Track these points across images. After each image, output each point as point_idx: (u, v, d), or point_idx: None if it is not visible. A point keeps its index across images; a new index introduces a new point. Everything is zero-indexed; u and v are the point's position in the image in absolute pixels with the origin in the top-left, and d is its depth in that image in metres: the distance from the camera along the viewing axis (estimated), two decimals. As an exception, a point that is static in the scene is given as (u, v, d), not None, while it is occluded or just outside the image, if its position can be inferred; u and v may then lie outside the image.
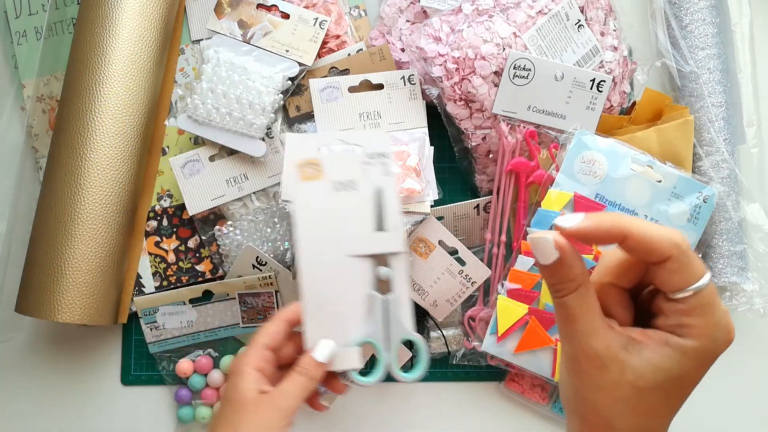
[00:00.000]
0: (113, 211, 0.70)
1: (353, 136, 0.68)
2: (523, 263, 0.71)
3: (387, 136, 0.68)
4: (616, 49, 0.75)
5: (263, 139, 0.74)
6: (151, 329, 0.74)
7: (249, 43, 0.76)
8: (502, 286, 0.72)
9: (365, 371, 0.62)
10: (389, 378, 0.62)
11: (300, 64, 0.76)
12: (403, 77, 0.75)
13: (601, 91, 0.73)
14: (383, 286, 0.64)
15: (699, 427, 0.79)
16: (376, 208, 0.64)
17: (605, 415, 0.39)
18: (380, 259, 0.64)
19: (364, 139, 0.67)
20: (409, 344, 0.67)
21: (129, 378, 0.77)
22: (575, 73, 0.72)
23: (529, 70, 0.71)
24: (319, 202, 0.64)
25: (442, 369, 0.73)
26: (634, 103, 0.77)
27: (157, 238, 0.77)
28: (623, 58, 0.75)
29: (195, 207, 0.74)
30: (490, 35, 0.70)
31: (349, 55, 0.77)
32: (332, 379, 0.62)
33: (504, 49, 0.70)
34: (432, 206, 0.73)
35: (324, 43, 0.77)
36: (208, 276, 0.76)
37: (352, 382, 0.62)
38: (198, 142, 0.77)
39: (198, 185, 0.74)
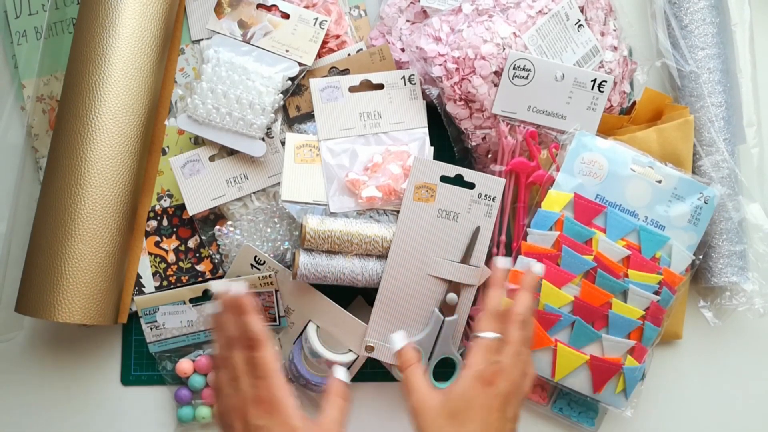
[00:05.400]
0: (113, 211, 0.70)
1: (473, 173, 0.71)
2: (522, 264, 0.71)
3: (503, 182, 0.72)
4: (616, 49, 0.75)
5: (263, 139, 0.74)
6: (151, 329, 0.74)
7: (249, 43, 0.76)
8: (502, 286, 0.72)
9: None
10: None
11: (300, 64, 0.76)
12: (403, 77, 0.75)
13: (602, 92, 0.73)
14: (446, 308, 0.72)
15: (699, 426, 0.79)
16: (469, 244, 0.71)
17: None
18: (454, 286, 0.71)
19: (481, 178, 0.71)
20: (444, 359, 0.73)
21: (129, 378, 0.77)
22: (576, 74, 0.72)
23: (529, 70, 0.71)
24: (421, 222, 0.71)
25: (443, 369, 0.73)
26: (634, 103, 0.77)
27: (157, 238, 0.77)
28: (623, 58, 0.75)
29: (195, 207, 0.74)
30: (490, 35, 0.70)
31: (349, 55, 0.77)
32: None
33: (504, 49, 0.70)
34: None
35: (324, 43, 0.77)
36: (208, 276, 0.76)
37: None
38: (198, 142, 0.77)
39: (198, 185, 0.74)
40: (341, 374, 0.63)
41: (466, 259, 0.72)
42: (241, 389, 0.58)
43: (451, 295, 0.71)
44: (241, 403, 0.58)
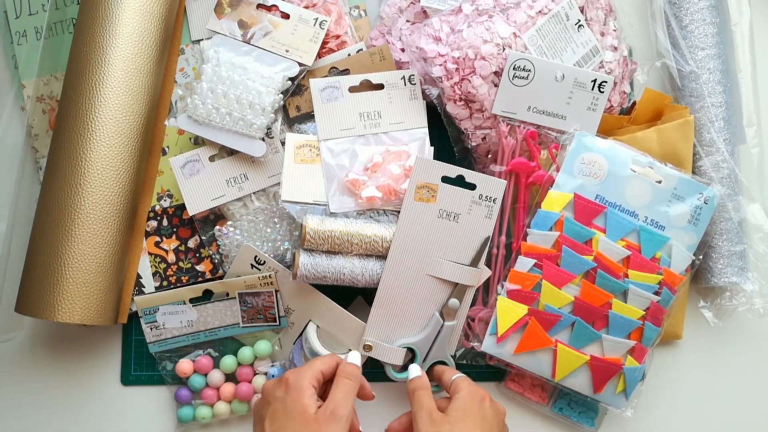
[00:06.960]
0: (113, 211, 0.70)
1: (475, 174, 0.71)
2: (523, 264, 0.71)
3: (505, 183, 0.72)
4: (616, 49, 0.75)
5: (263, 139, 0.74)
6: (151, 329, 0.74)
7: (249, 43, 0.76)
8: (502, 286, 0.72)
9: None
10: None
11: (300, 64, 0.76)
12: (403, 77, 0.75)
13: (602, 92, 0.73)
14: (447, 312, 0.72)
15: (699, 426, 0.79)
16: (479, 251, 0.72)
17: None
18: (457, 292, 0.72)
19: (482, 180, 0.71)
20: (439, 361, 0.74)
21: (129, 378, 0.77)
22: (576, 74, 0.72)
23: (529, 70, 0.71)
24: (422, 222, 0.71)
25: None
26: (634, 103, 0.77)
27: (157, 238, 0.77)
28: (623, 58, 0.75)
29: (195, 207, 0.74)
30: (490, 35, 0.70)
31: (349, 55, 0.77)
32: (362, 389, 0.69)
33: (504, 49, 0.70)
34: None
35: (324, 43, 0.77)
36: (208, 276, 0.76)
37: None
38: (198, 142, 0.77)
39: (198, 185, 0.74)
40: (352, 358, 0.66)
41: (475, 263, 0.72)
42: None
43: (454, 301, 0.71)
44: (272, 386, 0.64)
